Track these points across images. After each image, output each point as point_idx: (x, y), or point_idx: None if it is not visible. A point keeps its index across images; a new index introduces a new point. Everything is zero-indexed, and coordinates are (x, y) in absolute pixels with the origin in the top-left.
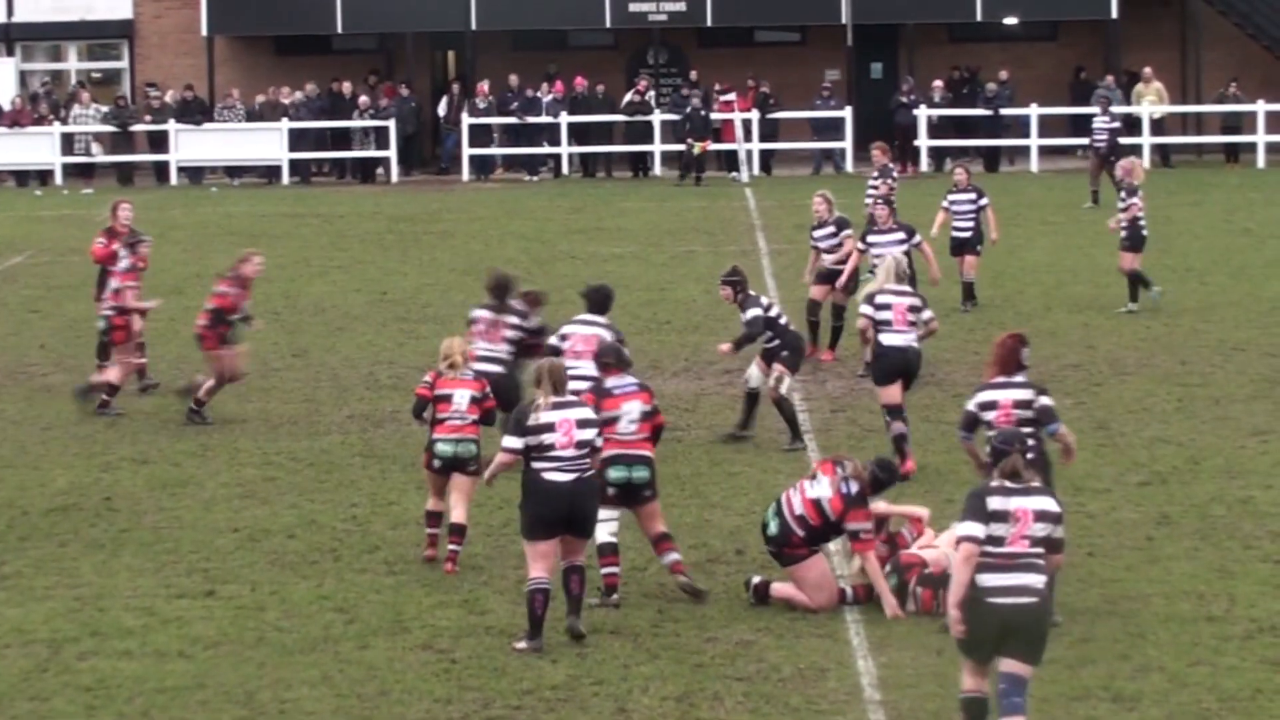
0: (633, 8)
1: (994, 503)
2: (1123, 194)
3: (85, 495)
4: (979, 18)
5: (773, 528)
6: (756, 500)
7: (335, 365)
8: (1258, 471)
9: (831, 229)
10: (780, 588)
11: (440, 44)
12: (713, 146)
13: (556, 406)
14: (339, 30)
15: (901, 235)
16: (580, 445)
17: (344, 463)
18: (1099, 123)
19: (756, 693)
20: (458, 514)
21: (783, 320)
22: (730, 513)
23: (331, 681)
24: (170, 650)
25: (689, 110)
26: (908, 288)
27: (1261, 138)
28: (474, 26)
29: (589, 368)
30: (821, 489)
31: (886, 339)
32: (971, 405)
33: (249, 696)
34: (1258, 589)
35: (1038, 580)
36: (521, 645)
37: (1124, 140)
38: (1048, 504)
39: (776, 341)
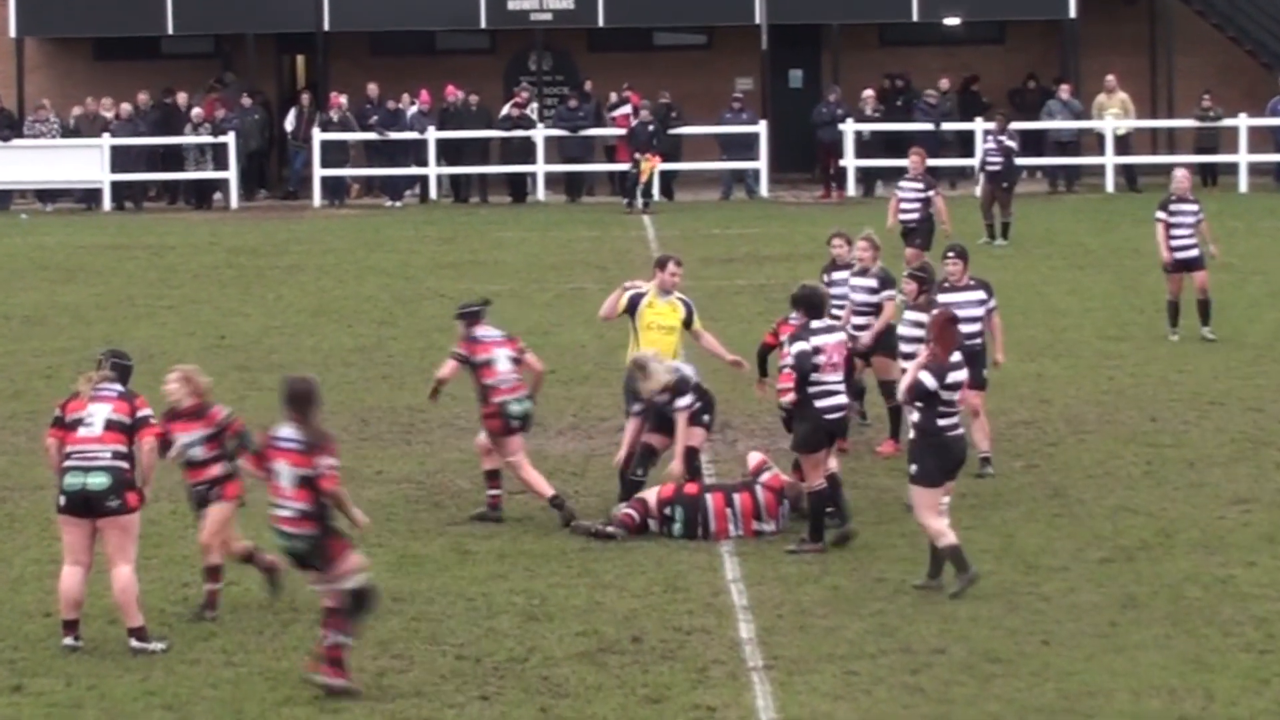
0: (512, 6)
1: None
2: (1188, 203)
3: None
4: (915, 18)
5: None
6: (655, 579)
7: None
8: (1239, 546)
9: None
10: None
11: (288, 47)
12: (607, 167)
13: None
14: (170, 31)
15: (982, 294)
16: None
17: (174, 535)
18: (993, 142)
19: None
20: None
21: None
22: (625, 594)
23: None
24: None
25: (635, 125)
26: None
27: (1244, 157)
28: (326, 27)
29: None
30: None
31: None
32: None
33: None
34: (1238, 683)
35: None
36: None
37: (1020, 162)
38: None
39: None
